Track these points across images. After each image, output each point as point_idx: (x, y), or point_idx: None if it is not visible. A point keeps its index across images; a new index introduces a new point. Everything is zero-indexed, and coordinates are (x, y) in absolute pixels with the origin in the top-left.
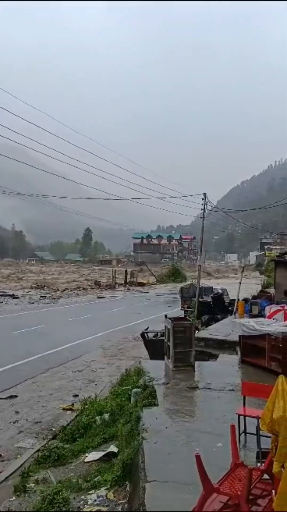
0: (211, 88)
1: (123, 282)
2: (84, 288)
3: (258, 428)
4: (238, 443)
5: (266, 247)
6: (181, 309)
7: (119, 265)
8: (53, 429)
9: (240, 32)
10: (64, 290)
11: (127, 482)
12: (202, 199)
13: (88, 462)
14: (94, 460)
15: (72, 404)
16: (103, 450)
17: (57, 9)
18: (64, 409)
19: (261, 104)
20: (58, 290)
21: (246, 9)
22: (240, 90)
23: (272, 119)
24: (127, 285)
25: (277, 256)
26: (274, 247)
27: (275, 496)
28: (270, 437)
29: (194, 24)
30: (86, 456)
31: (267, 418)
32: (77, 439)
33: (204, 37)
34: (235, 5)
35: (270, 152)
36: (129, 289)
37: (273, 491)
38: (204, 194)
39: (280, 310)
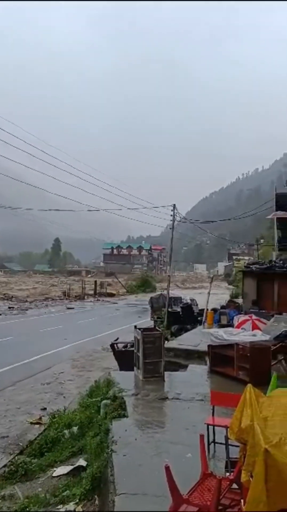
0: (181, 102)
1: (92, 292)
2: (53, 299)
3: (226, 438)
4: (207, 453)
5: (234, 257)
6: (151, 319)
7: (89, 275)
8: (20, 443)
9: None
10: (33, 301)
11: (96, 496)
12: (172, 210)
13: (57, 476)
14: (63, 475)
15: (40, 418)
16: (72, 464)
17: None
18: (31, 423)
19: (230, 121)
20: (26, 301)
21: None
22: (210, 108)
23: (239, 135)
24: (97, 296)
25: (245, 266)
26: (242, 257)
27: (244, 505)
28: (238, 446)
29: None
30: (54, 471)
31: (235, 427)
32: (45, 453)
33: (175, 51)
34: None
35: (238, 165)
36: (99, 300)
37: (242, 500)
38: (174, 205)
39: (248, 319)
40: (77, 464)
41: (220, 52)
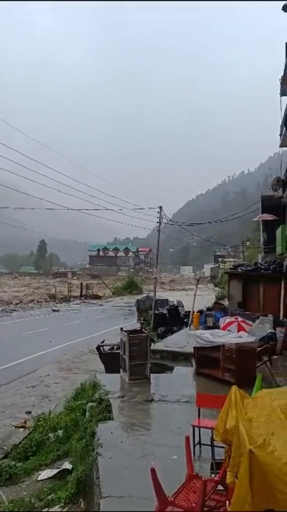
0: (169, 104)
1: (78, 295)
2: (38, 301)
3: (212, 439)
4: (193, 454)
5: (220, 259)
6: (137, 322)
7: (75, 277)
8: (5, 447)
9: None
10: (18, 303)
11: (81, 499)
12: (158, 212)
13: (41, 480)
14: (48, 478)
15: (25, 421)
16: (57, 468)
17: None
18: (16, 426)
19: (216, 124)
20: (11, 303)
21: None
22: (196, 112)
23: (225, 138)
24: (83, 298)
25: (231, 268)
26: (228, 259)
27: (229, 507)
28: (224, 447)
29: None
30: (39, 474)
31: (221, 428)
32: (30, 457)
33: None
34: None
35: (224, 167)
36: (85, 302)
37: (227, 502)
38: (160, 207)
39: (234, 321)
40: (62, 468)
41: (208, 57)
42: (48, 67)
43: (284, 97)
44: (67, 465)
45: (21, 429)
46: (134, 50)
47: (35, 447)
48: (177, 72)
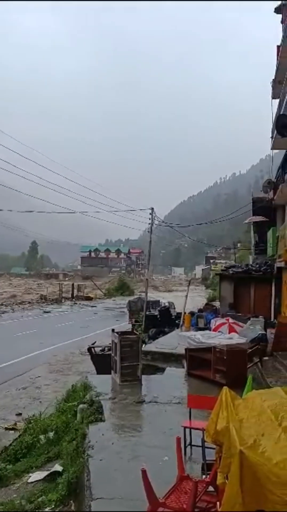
0: (161, 107)
1: (70, 296)
2: (30, 303)
3: (203, 440)
4: (183, 455)
5: (211, 261)
6: (129, 323)
7: (66, 278)
8: None
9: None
10: (9, 304)
11: (72, 501)
12: (150, 213)
13: (32, 482)
14: (38, 480)
15: (15, 423)
16: (48, 470)
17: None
18: (6, 428)
19: (207, 126)
20: (2, 304)
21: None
22: (189, 115)
23: (217, 140)
24: (74, 299)
25: (222, 270)
26: (219, 261)
27: (219, 508)
28: (215, 448)
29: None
30: (30, 476)
31: (212, 429)
32: (20, 459)
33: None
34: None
35: (215, 169)
36: (76, 303)
37: (218, 502)
38: (152, 209)
39: (225, 323)
40: (53, 470)
41: (201, 60)
42: (40, 72)
43: (275, 100)
44: (57, 467)
45: (11, 431)
46: (127, 56)
47: (26, 449)
48: (168, 78)
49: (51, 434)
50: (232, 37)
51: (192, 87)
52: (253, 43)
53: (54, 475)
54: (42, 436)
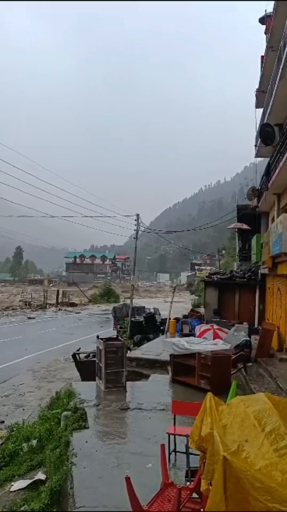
0: (148, 114)
1: (54, 302)
2: (13, 309)
3: (187, 447)
4: (168, 462)
5: (196, 267)
6: (114, 329)
7: (51, 285)
8: None
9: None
10: None
11: (55, 510)
12: (135, 220)
13: (14, 491)
14: (21, 489)
15: None
16: (30, 478)
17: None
18: None
19: (190, 138)
20: None
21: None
22: (177, 124)
23: (201, 148)
24: (59, 306)
25: (206, 276)
26: (204, 267)
27: None
28: (199, 455)
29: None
30: (12, 485)
31: (196, 435)
32: (3, 467)
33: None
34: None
35: (200, 176)
36: (61, 310)
37: (202, 509)
38: (137, 215)
39: (210, 329)
40: (36, 478)
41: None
42: (22, 75)
43: (259, 109)
44: (40, 475)
45: None
46: (115, 62)
47: (8, 457)
48: (155, 83)
49: (34, 442)
50: (217, 43)
51: (179, 94)
52: (239, 51)
53: (37, 484)
54: (25, 444)
